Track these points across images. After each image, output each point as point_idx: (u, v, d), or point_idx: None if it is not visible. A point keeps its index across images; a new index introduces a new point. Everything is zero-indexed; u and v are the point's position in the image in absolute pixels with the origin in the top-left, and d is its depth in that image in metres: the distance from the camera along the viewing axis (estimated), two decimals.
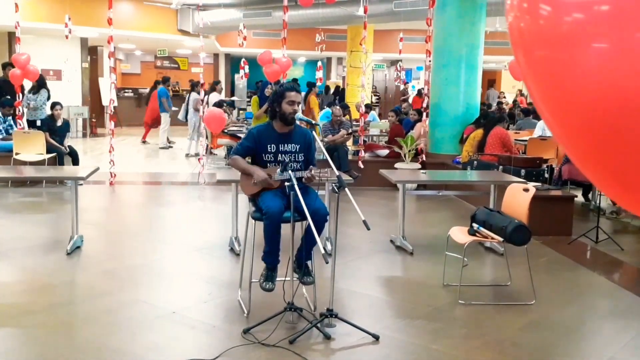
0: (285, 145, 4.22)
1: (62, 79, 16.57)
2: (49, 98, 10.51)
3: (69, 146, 9.42)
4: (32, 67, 9.29)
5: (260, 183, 4.11)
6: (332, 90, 19.21)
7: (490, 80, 25.15)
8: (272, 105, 4.23)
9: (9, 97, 9.92)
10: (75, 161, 9.34)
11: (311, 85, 16.44)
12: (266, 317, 3.90)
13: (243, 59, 19.05)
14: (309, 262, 4.18)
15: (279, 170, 4.06)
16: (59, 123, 9.47)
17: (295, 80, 13.83)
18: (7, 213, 7.42)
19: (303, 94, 15.59)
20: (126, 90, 21.22)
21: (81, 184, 7.12)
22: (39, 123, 10.17)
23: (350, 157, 9.54)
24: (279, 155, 4.20)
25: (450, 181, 7.35)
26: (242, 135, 8.82)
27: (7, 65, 10.41)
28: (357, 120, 12.51)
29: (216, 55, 23.78)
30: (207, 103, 12.68)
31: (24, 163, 8.61)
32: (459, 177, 7.22)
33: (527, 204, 4.62)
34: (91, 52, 18.11)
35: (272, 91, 4.35)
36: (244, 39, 14.74)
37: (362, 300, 4.61)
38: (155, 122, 14.87)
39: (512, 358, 3.70)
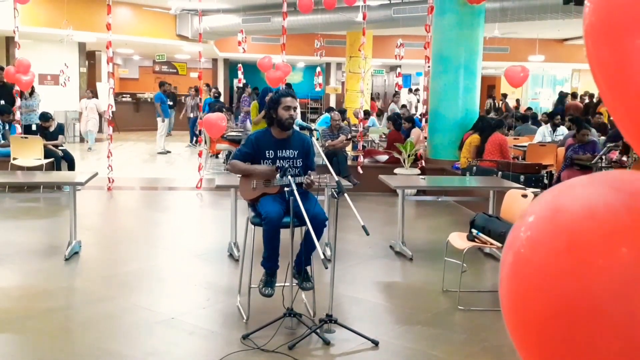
0: (284, 151, 4.22)
1: (59, 83, 16.56)
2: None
3: (64, 149, 9.38)
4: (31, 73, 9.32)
5: (266, 176, 4.10)
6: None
7: (490, 86, 25.21)
8: (269, 112, 4.24)
9: (2, 102, 9.92)
10: (71, 166, 9.31)
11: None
12: (265, 323, 3.89)
13: (239, 65, 19.09)
14: (308, 268, 4.17)
15: (278, 175, 4.06)
16: (52, 129, 9.47)
17: (289, 85, 13.87)
18: (4, 218, 7.39)
19: None
20: (124, 95, 21.22)
21: (79, 190, 7.11)
22: (34, 127, 10.17)
23: (349, 162, 9.54)
24: (278, 161, 4.20)
25: (449, 187, 7.35)
26: (242, 140, 8.82)
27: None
28: (356, 126, 12.51)
29: (215, 60, 23.81)
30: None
31: (22, 168, 8.59)
32: (458, 183, 7.22)
33: None
34: (89, 57, 18.11)
35: (268, 98, 4.36)
36: (240, 43, 14.80)
37: (361, 305, 4.59)
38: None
39: None
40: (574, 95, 17.33)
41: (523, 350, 1.08)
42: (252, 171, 4.18)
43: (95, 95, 16.52)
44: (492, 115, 14.37)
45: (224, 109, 13.89)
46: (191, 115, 16.01)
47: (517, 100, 22.01)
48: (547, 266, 1.02)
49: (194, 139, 15.86)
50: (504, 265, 1.10)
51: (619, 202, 1.00)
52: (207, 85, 16.97)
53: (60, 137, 9.49)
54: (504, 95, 21.01)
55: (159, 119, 14.34)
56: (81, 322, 4.16)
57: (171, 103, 17.67)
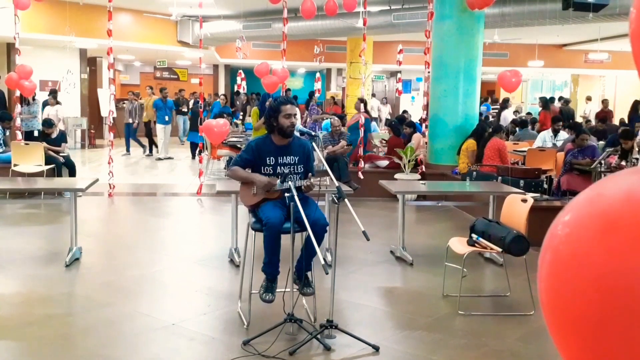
0: (284, 157, 4.23)
1: (60, 89, 16.58)
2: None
3: (65, 156, 9.38)
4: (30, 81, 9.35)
5: (264, 187, 4.10)
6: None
7: (490, 91, 25.25)
8: (269, 120, 4.23)
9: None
10: (72, 172, 9.32)
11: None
12: (266, 329, 3.89)
13: (239, 71, 19.15)
14: (308, 273, 4.18)
15: (278, 181, 4.07)
16: (54, 136, 9.49)
17: (289, 90, 13.94)
18: (5, 225, 7.41)
19: None
20: (125, 102, 21.22)
21: (80, 196, 7.11)
22: (36, 133, 10.19)
23: (350, 167, 9.55)
24: (278, 167, 4.20)
25: (449, 192, 7.35)
26: (242, 147, 8.84)
27: None
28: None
29: (216, 66, 23.86)
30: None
31: (23, 174, 8.60)
32: (458, 188, 7.22)
33: (526, 215, 4.63)
34: (90, 63, 18.15)
35: (268, 106, 4.35)
36: (238, 50, 14.83)
37: (362, 311, 4.60)
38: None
39: None
40: (551, 100, 17.51)
41: (565, 348, 1.10)
42: (251, 180, 4.18)
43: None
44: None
45: (225, 114, 13.90)
46: (129, 120, 14.99)
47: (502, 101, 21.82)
48: (586, 251, 1.03)
49: (134, 147, 14.94)
50: (543, 265, 1.12)
51: None
52: (151, 87, 16.49)
53: (63, 144, 9.51)
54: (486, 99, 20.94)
55: (157, 125, 14.34)
56: (82, 328, 4.17)
57: (185, 109, 17.65)
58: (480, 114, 16.26)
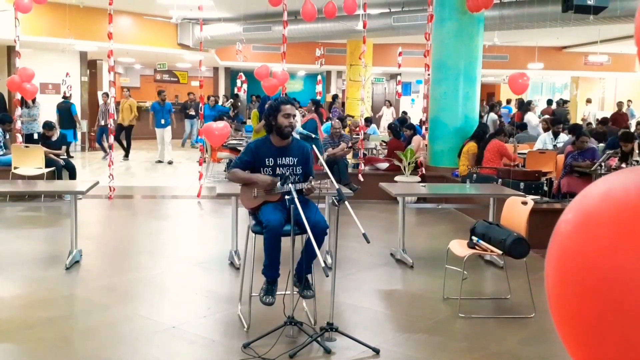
0: (283, 158, 4.23)
1: (61, 92, 16.58)
2: None
3: (65, 159, 9.37)
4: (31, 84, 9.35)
5: (267, 187, 4.10)
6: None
7: (490, 93, 25.26)
8: (268, 119, 4.25)
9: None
10: (73, 175, 9.32)
11: None
12: (266, 331, 3.89)
13: (240, 73, 19.17)
14: (309, 276, 4.17)
15: (279, 183, 4.07)
16: (54, 138, 9.49)
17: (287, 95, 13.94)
18: (5, 227, 7.40)
19: None
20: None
21: (80, 198, 7.12)
22: (36, 136, 10.20)
23: (350, 170, 9.55)
24: (277, 168, 4.21)
25: (449, 194, 7.35)
26: (242, 149, 8.83)
27: None
28: (357, 133, 12.54)
29: (216, 69, 23.88)
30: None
31: (23, 177, 8.60)
32: (458, 190, 7.23)
33: (526, 217, 4.63)
34: (90, 66, 18.15)
35: (268, 105, 4.37)
36: (238, 52, 14.81)
37: (362, 313, 4.60)
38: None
39: None
40: (549, 102, 17.51)
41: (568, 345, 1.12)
42: (253, 180, 4.18)
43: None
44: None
45: (225, 117, 13.91)
46: (102, 123, 14.48)
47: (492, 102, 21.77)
48: (576, 248, 1.07)
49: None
50: (550, 261, 1.15)
51: (633, 184, 1.04)
52: (128, 89, 16.07)
53: (63, 147, 9.50)
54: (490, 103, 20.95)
55: (156, 129, 14.32)
56: (82, 331, 4.16)
57: (192, 113, 17.58)
58: (500, 116, 16.22)
